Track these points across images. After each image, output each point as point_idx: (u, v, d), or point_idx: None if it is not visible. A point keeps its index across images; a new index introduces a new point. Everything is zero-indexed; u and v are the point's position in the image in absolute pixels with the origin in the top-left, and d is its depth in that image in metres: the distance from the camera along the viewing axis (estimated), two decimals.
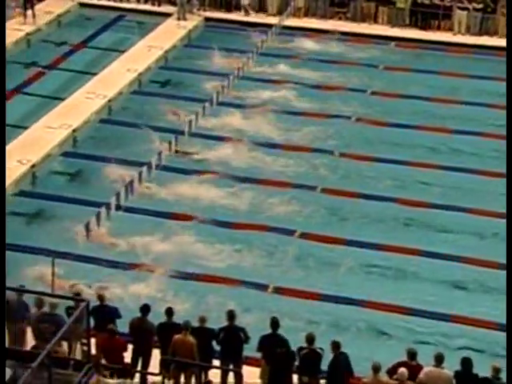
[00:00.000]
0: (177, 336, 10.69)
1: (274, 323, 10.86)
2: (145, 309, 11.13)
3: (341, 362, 10.41)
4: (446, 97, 21.53)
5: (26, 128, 19.01)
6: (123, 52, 23.55)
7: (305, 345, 10.60)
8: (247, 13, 26.46)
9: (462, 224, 15.93)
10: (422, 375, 9.99)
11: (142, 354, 11.13)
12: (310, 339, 10.59)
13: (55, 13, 26.16)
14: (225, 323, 11.00)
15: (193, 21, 26.11)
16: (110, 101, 20.70)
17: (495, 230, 15.61)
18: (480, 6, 25.52)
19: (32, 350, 9.65)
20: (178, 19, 26.04)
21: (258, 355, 11.03)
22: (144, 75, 22.44)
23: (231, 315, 11.00)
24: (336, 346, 10.44)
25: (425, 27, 26.01)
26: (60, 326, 10.00)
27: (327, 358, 10.58)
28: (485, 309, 13.52)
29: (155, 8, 27.10)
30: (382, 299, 13.77)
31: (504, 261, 13.57)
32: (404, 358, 10.30)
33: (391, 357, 10.68)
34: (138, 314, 11.14)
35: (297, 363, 10.64)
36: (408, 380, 9.89)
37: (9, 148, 17.93)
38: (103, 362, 10.61)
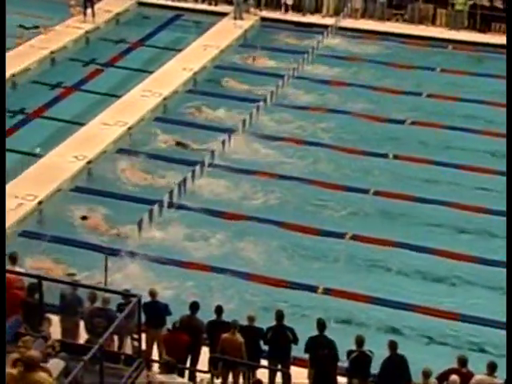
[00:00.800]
0: (225, 335, 10.76)
1: (321, 325, 10.84)
2: (194, 306, 11.22)
3: (395, 363, 10.30)
4: (503, 101, 21.23)
5: (82, 124, 19.33)
6: (180, 51, 23.76)
7: (354, 347, 10.57)
8: (287, 11, 26.41)
9: None
10: (473, 382, 9.87)
11: (191, 351, 11.23)
12: (360, 342, 10.55)
13: (114, 11, 26.54)
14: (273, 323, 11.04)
15: (249, 20, 26.21)
16: (165, 99, 20.91)
17: None
18: None
19: (85, 343, 9.82)
20: (235, 19, 26.16)
21: (307, 356, 11.03)
22: (199, 74, 22.61)
23: (279, 315, 11.03)
24: (392, 345, 10.37)
25: (484, 30, 25.64)
26: (112, 321, 10.16)
27: (377, 360, 10.52)
28: None
29: (212, 7, 27.28)
30: (431, 304, 13.64)
31: None
32: (454, 365, 10.19)
33: (440, 363, 10.58)
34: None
35: (346, 366, 10.60)
36: None
37: (65, 144, 18.29)
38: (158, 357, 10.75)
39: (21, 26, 24.22)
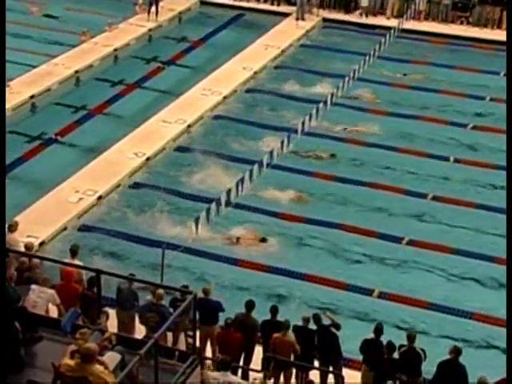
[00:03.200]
0: (276, 334, 10.73)
1: (378, 330, 10.73)
2: (249, 305, 11.21)
3: (453, 369, 10.09)
4: None
5: (143, 121, 19.52)
6: (241, 50, 23.81)
7: (405, 343, 10.45)
8: (364, 14, 26.22)
9: None
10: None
11: (245, 349, 11.23)
12: (411, 337, 10.46)
13: (177, 10, 26.77)
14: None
15: (311, 21, 26.12)
16: (224, 98, 20.99)
17: None
18: None
19: (143, 338, 9.91)
20: (297, 19, 26.11)
21: (360, 358, 10.95)
22: (259, 73, 22.63)
23: (316, 319, 10.95)
24: (455, 350, 10.19)
25: None
26: (164, 317, 10.24)
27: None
28: None
29: (274, 7, 27.28)
30: (490, 311, 13.40)
31: None
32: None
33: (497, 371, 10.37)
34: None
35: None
36: None
37: (125, 140, 18.50)
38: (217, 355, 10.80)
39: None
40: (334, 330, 10.88)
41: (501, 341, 12.56)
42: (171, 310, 10.73)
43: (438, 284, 14.24)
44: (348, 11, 26.71)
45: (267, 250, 15.00)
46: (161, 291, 10.89)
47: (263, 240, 15.20)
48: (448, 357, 10.23)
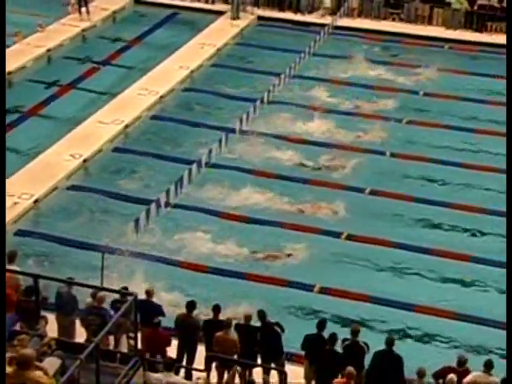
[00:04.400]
0: (218, 333, 10.76)
1: (320, 324, 10.83)
2: (190, 305, 11.20)
3: (387, 358, 10.27)
4: (501, 99, 21.27)
5: (79, 123, 19.29)
6: (176, 49, 23.73)
7: (349, 336, 10.60)
8: (323, 15, 26.38)
9: None
10: (468, 379, 9.87)
11: (187, 349, 11.22)
12: (355, 331, 10.58)
13: (110, 9, 26.50)
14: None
15: (246, 19, 26.18)
16: (161, 97, 20.89)
17: None
18: None
19: (85, 342, 9.81)
20: (232, 18, 26.14)
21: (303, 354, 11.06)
22: (196, 72, 22.60)
23: (260, 316, 11.01)
24: (389, 341, 10.36)
25: (481, 29, 25.65)
26: (104, 319, 10.15)
27: None
28: None
29: (209, 6, 27.25)
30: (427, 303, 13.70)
31: None
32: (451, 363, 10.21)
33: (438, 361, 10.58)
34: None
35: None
36: None
37: (61, 142, 18.25)
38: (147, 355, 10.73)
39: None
40: (277, 328, 10.92)
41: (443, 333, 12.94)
42: (112, 312, 10.65)
43: None
44: (282, 9, 26.85)
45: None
46: (102, 294, 10.79)
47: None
48: (383, 347, 10.40)
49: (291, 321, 12.59)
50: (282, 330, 11.01)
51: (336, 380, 9.91)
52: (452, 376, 9.73)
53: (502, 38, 24.41)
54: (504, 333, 11.73)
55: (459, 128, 19.79)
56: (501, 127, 19.22)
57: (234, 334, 10.76)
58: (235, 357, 10.83)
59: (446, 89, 21.87)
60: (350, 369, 9.80)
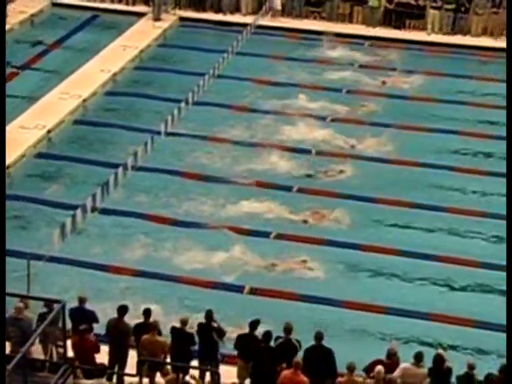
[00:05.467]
0: (145, 336, 10.68)
1: (253, 324, 10.85)
2: (121, 310, 11.08)
3: (316, 353, 10.35)
4: (420, 95, 21.72)
5: None
6: (98, 52, 23.42)
7: (282, 335, 10.63)
8: (275, 16, 26.37)
9: None
10: (397, 371, 10.05)
11: (119, 354, 11.09)
12: (288, 329, 10.62)
13: (28, 12, 25.97)
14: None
15: (168, 20, 26.04)
16: (84, 101, 20.60)
17: None
18: (452, 6, 25.72)
19: (10, 353, 9.58)
20: (153, 19, 25.96)
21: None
22: (118, 75, 22.36)
23: (207, 316, 10.99)
24: (317, 336, 10.44)
25: (399, 27, 26.15)
26: (24, 330, 9.91)
27: None
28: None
29: (129, 7, 26.98)
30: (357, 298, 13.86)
31: None
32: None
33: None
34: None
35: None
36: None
37: None
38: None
39: None
40: (214, 335, 10.89)
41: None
42: (36, 321, 10.42)
43: None
44: (204, 9, 26.81)
45: None
46: (20, 304, 10.56)
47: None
48: (313, 343, 10.50)
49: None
50: (220, 336, 10.95)
51: (284, 371, 9.95)
52: (380, 368, 9.88)
53: (420, 35, 25.16)
54: None
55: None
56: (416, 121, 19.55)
57: (160, 337, 10.68)
58: (168, 360, 10.78)
59: (370, 86, 22.11)
60: (298, 359, 9.86)
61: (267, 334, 10.59)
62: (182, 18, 26.34)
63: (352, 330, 13.06)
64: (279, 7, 26.45)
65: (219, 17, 26.49)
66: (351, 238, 15.42)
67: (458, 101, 21.41)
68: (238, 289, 14.00)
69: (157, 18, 25.96)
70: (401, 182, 17.48)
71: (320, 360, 10.33)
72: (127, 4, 27.08)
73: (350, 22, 26.40)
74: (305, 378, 9.98)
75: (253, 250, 14.88)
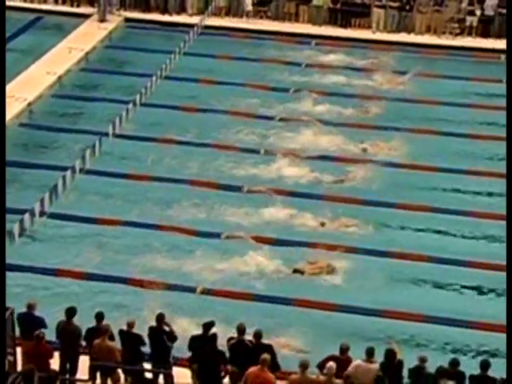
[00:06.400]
0: (96, 341, 10.60)
1: (207, 325, 10.81)
2: (69, 312, 10.94)
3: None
4: (367, 92, 21.96)
5: None
6: (42, 54, 23.11)
7: (235, 335, 10.64)
8: (248, 17, 26.27)
9: None
10: (350, 368, 10.13)
11: (70, 359, 10.96)
12: (241, 330, 10.63)
13: None
14: None
15: (113, 21, 25.83)
16: (29, 104, 20.32)
17: None
18: (397, 4, 26.05)
19: None
20: (99, 20, 25.72)
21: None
22: (64, 78, 22.11)
23: (158, 319, 10.93)
24: (257, 334, 10.49)
25: (345, 25, 26.38)
26: None
27: None
28: None
29: (74, 9, 26.68)
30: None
31: None
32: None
33: None
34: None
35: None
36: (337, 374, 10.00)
37: None
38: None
39: None
40: (165, 338, 10.82)
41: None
42: None
43: None
44: (149, 10, 26.66)
45: None
46: None
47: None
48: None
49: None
50: (172, 340, 10.89)
51: (251, 368, 9.93)
52: (331, 364, 9.94)
53: (366, 34, 25.49)
54: None
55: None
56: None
57: (111, 341, 10.60)
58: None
59: (317, 86, 22.28)
60: (265, 355, 9.86)
61: (214, 336, 10.57)
62: (127, 19, 26.17)
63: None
64: (250, 8, 26.39)
65: (165, 17, 26.38)
66: (375, 243, 15.20)
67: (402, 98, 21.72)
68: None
69: (102, 20, 25.74)
70: (417, 185, 17.36)
71: (255, 356, 10.31)
72: (72, 6, 26.77)
73: (296, 21, 26.54)
74: (271, 375, 9.99)
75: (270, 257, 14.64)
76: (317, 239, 15.23)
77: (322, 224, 15.65)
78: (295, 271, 14.38)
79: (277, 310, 13.48)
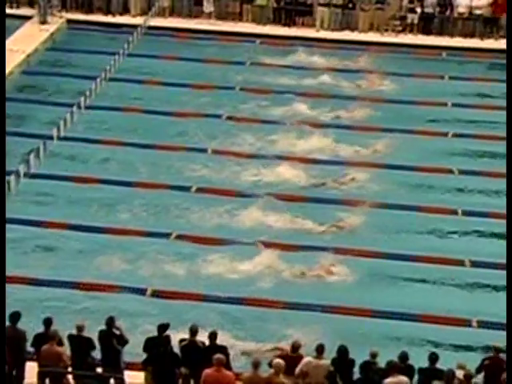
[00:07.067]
0: (44, 347, 10.45)
1: (162, 327, 10.73)
2: (14, 317, 10.74)
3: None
4: (312, 91, 22.08)
5: None
6: None
7: (187, 336, 10.58)
8: (209, 18, 26.08)
9: None
10: (300, 365, 10.16)
11: (16, 364, 10.76)
12: (193, 331, 10.57)
13: None
14: None
15: (55, 23, 25.49)
16: None
17: None
18: (340, 2, 26.28)
19: None
20: (40, 22, 25.35)
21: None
22: (6, 80, 21.72)
23: (107, 322, 10.82)
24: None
25: (289, 24, 26.49)
26: None
27: None
28: None
29: (14, 11, 26.23)
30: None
31: None
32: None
33: None
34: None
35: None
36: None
37: None
38: None
39: None
40: (115, 342, 10.71)
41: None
42: None
43: None
44: (92, 11, 26.38)
45: None
46: None
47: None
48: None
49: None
50: (122, 343, 10.78)
51: (206, 370, 9.88)
52: (278, 360, 9.93)
53: (310, 32, 25.65)
54: None
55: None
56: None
57: (59, 346, 10.45)
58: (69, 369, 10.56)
59: (259, 84, 22.31)
60: (218, 355, 9.84)
61: (167, 338, 10.51)
62: (69, 21, 25.85)
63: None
64: (210, 9, 26.25)
65: (108, 18, 26.14)
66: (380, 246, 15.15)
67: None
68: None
69: (43, 21, 25.38)
70: (420, 186, 17.40)
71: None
72: (11, 7, 26.31)
73: (240, 20, 26.56)
74: (230, 374, 9.96)
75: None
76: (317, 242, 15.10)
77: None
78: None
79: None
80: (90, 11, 26.36)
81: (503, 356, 10.37)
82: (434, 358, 10.29)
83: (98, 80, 21.31)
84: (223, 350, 10.37)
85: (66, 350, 10.59)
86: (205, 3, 26.25)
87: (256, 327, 13.03)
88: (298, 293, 13.82)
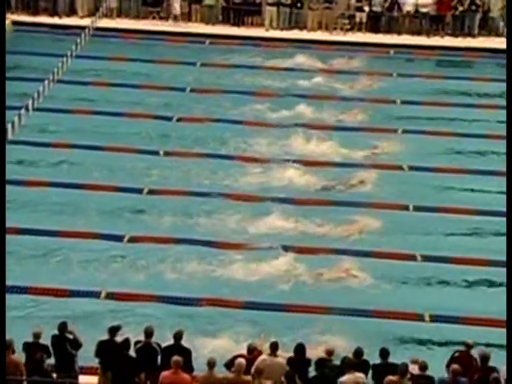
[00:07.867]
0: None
1: (113, 329, 10.62)
2: None
3: (174, 352, 10.18)
4: (264, 91, 22.11)
5: None
6: None
7: (143, 338, 10.47)
8: (176, 20, 25.79)
9: None
10: (256, 364, 10.16)
11: None
12: (149, 333, 10.46)
13: None
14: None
15: None
16: None
17: None
18: (288, 1, 26.38)
19: None
20: None
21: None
22: None
23: (60, 327, 10.67)
24: (177, 336, 10.35)
25: (238, 24, 26.51)
26: None
27: None
28: None
29: None
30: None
31: None
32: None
33: None
34: None
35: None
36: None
37: None
38: None
39: None
40: (68, 345, 10.57)
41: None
42: None
43: None
44: (37, 12, 26.01)
45: None
46: None
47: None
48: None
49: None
50: (75, 347, 10.64)
51: (163, 372, 9.80)
52: (240, 360, 9.92)
53: (259, 31, 25.71)
54: None
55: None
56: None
57: (14, 356, 10.27)
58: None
59: (208, 84, 22.25)
60: (176, 357, 9.75)
61: (126, 342, 10.39)
62: (14, 23, 25.44)
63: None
64: (178, 12, 26.04)
65: (55, 20, 25.81)
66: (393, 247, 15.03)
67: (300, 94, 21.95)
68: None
69: None
70: (427, 187, 17.31)
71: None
72: None
73: (189, 20, 26.48)
74: (187, 376, 9.88)
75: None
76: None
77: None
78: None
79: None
80: (35, 12, 26.00)
81: (474, 352, 10.40)
82: (385, 353, 10.37)
83: (46, 82, 21.03)
84: (185, 351, 10.32)
85: (22, 358, 10.44)
86: (173, 5, 26.03)
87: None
88: (318, 295, 13.66)
